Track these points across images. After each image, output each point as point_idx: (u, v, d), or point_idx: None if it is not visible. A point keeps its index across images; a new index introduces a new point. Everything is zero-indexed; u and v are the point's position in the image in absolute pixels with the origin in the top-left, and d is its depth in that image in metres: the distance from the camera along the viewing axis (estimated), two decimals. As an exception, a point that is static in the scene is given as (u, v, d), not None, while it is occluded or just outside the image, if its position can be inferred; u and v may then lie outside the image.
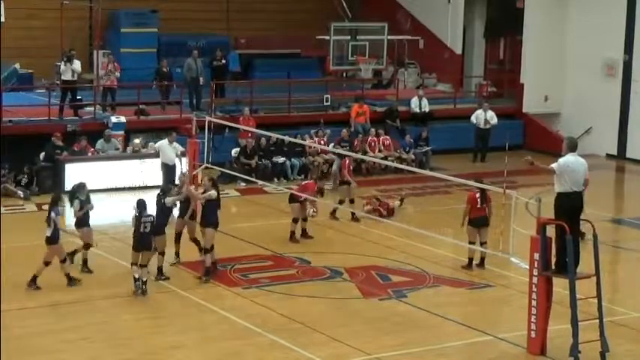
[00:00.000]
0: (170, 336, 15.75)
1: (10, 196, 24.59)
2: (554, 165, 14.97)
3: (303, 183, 22.66)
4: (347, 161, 23.48)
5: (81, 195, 18.47)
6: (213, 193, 18.45)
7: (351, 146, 28.51)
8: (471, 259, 19.75)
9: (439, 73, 36.83)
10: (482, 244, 19.60)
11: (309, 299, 17.72)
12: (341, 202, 23.17)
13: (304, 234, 21.55)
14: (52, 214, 17.70)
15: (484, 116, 31.50)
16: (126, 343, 15.40)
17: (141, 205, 17.81)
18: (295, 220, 21.40)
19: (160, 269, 18.39)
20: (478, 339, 15.90)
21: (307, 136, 28.80)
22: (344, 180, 23.33)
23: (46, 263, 17.79)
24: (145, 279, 17.67)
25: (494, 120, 31.53)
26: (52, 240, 17.74)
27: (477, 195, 19.59)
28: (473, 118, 31.55)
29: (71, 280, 17.94)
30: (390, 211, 23.85)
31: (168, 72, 30.43)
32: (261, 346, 15.32)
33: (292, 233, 21.37)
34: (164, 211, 18.43)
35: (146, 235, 17.70)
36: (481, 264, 19.79)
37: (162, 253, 18.43)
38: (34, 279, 17.76)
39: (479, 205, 19.59)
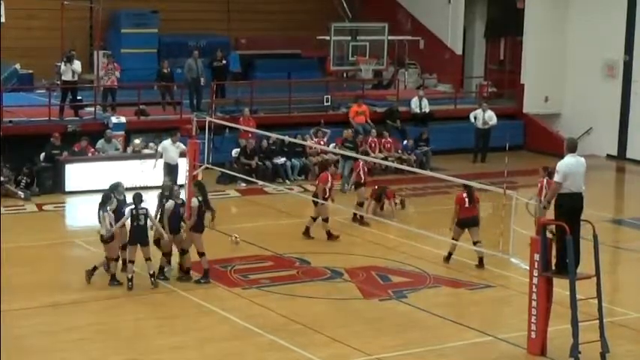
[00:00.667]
0: (170, 336, 15.75)
1: (10, 196, 24.58)
2: (555, 178, 14.93)
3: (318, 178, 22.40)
4: (360, 162, 23.47)
5: (118, 195, 18.44)
6: (194, 202, 18.24)
7: (355, 146, 28.59)
8: (450, 253, 19.92)
9: (439, 74, 36.84)
10: (475, 243, 19.64)
11: (310, 300, 17.73)
12: (360, 204, 23.12)
13: (306, 232, 21.58)
14: (101, 213, 17.80)
15: (483, 117, 31.51)
16: (126, 344, 15.41)
17: (136, 198, 17.89)
18: (326, 220, 21.46)
19: (161, 269, 18.40)
20: (478, 339, 15.89)
21: (308, 137, 28.82)
22: (359, 182, 23.33)
23: (110, 259, 17.97)
24: (152, 271, 17.81)
25: (493, 120, 31.52)
26: (106, 239, 17.86)
27: (464, 195, 19.67)
28: (471, 117, 31.58)
29: (114, 280, 18.02)
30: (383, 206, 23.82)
31: (169, 73, 30.42)
32: (261, 347, 15.32)
33: (329, 233, 21.46)
34: (166, 211, 18.40)
35: (141, 227, 17.74)
36: (480, 264, 19.76)
37: (166, 255, 18.50)
38: (113, 277, 17.95)
39: (467, 205, 19.66)
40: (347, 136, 28.58)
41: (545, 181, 20.70)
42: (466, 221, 19.66)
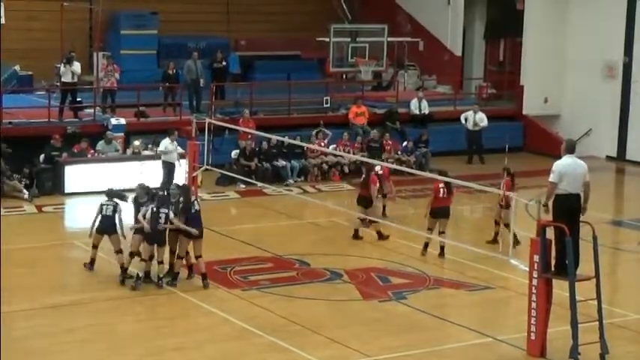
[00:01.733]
0: (170, 338, 15.75)
1: (10, 195, 24.53)
2: (550, 178, 14.94)
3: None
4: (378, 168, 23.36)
5: (142, 197, 18.55)
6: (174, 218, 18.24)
7: (381, 146, 28.65)
8: (426, 244, 20.43)
9: (439, 75, 36.86)
10: (440, 233, 20.21)
11: (309, 301, 17.73)
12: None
13: (381, 236, 21.66)
14: (146, 209, 17.95)
15: (473, 118, 31.54)
16: (126, 345, 15.40)
17: (160, 199, 17.93)
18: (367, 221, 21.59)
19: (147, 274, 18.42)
20: (478, 341, 15.90)
21: (314, 138, 28.81)
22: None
23: (147, 259, 17.99)
24: (161, 275, 17.86)
25: (483, 122, 31.56)
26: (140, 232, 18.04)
27: (441, 185, 20.08)
28: (462, 119, 31.66)
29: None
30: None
31: (174, 74, 30.36)
32: (260, 348, 15.33)
33: (380, 233, 21.59)
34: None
35: (161, 229, 17.77)
36: (441, 253, 20.36)
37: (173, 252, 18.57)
38: (123, 272, 18.14)
39: (441, 195, 20.17)
40: (373, 137, 28.78)
41: (503, 182, 21.08)
42: (438, 211, 20.18)
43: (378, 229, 21.63)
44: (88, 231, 18.76)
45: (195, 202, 18.27)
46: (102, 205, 18.56)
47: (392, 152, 29.64)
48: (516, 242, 20.26)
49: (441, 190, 20.24)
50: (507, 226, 20.84)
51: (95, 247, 18.73)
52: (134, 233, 18.14)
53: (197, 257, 18.10)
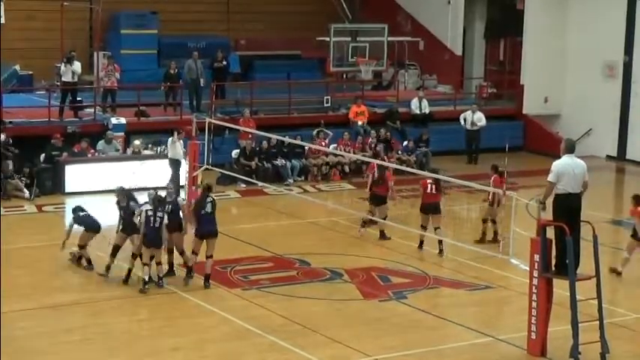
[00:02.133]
0: (170, 337, 15.74)
1: (12, 194, 24.53)
2: (549, 178, 14.95)
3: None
4: (375, 164, 23.30)
5: (122, 201, 18.56)
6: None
7: (388, 144, 28.63)
8: (421, 242, 20.76)
9: (439, 75, 36.86)
10: (435, 229, 20.44)
11: (309, 300, 17.72)
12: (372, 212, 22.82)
13: (383, 236, 21.66)
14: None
15: (472, 118, 31.54)
16: (125, 345, 15.41)
17: (156, 200, 17.92)
18: (384, 218, 21.64)
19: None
20: (478, 340, 15.90)
21: (316, 139, 28.81)
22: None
23: (147, 262, 17.88)
24: (161, 275, 17.88)
25: (481, 122, 31.55)
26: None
27: (429, 181, 20.37)
28: (461, 119, 31.66)
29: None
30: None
31: (175, 74, 30.35)
32: (261, 348, 15.33)
33: (383, 233, 21.63)
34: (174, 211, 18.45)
35: (156, 230, 17.75)
36: (440, 251, 20.48)
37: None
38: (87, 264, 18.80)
39: (429, 191, 20.46)
40: (379, 135, 28.87)
41: (492, 179, 21.31)
42: (428, 207, 20.46)
43: (382, 229, 21.63)
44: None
45: (209, 204, 18.09)
46: (74, 216, 19.08)
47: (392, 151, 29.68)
48: (496, 239, 20.61)
49: (429, 186, 20.49)
50: (494, 222, 21.15)
51: (84, 247, 18.85)
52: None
53: (207, 257, 18.05)
